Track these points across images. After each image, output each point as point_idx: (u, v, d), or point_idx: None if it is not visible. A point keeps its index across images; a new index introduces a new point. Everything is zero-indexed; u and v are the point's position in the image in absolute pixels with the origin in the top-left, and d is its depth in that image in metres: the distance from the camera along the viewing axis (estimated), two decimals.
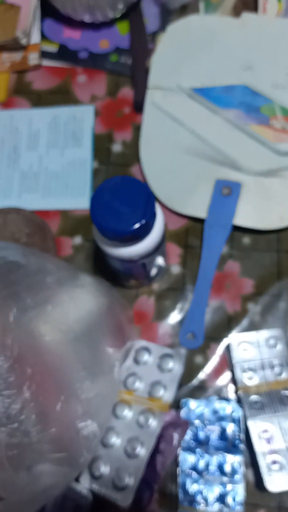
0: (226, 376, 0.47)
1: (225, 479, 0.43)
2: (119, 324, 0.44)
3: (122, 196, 0.40)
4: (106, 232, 0.40)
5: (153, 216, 0.41)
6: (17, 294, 0.38)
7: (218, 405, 0.45)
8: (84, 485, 0.42)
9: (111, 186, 0.41)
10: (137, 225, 0.39)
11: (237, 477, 0.43)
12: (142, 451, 0.42)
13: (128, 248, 0.42)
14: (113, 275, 0.50)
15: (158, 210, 0.43)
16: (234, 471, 0.43)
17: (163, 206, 0.53)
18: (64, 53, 0.63)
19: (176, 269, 0.51)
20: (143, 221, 0.39)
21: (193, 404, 0.45)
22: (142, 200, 0.40)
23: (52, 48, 0.63)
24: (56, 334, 0.39)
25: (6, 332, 0.36)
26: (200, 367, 0.48)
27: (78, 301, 0.44)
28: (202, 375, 0.47)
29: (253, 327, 0.49)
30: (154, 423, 0.43)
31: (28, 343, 0.37)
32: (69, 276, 0.45)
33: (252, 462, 0.44)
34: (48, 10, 0.63)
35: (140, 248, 0.42)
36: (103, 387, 0.40)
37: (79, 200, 0.54)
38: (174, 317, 0.50)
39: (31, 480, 0.36)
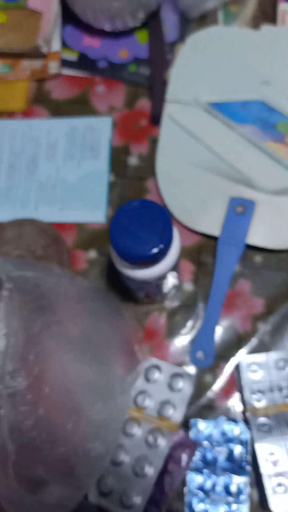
0: (234, 396, 0.47)
1: (230, 499, 0.42)
2: (130, 346, 0.44)
3: (140, 220, 0.40)
4: (124, 256, 0.40)
5: (170, 240, 0.40)
6: (43, 309, 0.38)
7: (227, 426, 0.44)
8: (93, 501, 0.42)
9: (130, 209, 0.40)
10: (155, 250, 0.39)
11: (243, 497, 0.42)
12: (151, 471, 0.42)
13: (145, 270, 0.42)
14: (125, 291, 0.49)
15: (175, 233, 0.43)
16: (239, 492, 0.42)
17: (177, 222, 0.52)
18: (84, 61, 0.61)
19: (188, 286, 0.51)
20: (161, 246, 0.39)
21: (202, 425, 0.45)
22: (160, 225, 0.39)
23: (72, 56, 0.62)
24: (73, 354, 0.39)
25: (29, 346, 0.36)
26: (209, 386, 0.47)
27: (94, 322, 0.43)
28: (211, 394, 0.47)
29: (262, 347, 0.48)
30: (163, 443, 0.43)
31: (48, 361, 0.37)
32: (86, 295, 0.45)
33: (258, 483, 0.44)
34: (68, 17, 0.62)
35: (156, 270, 0.42)
36: (113, 410, 0.39)
37: (95, 214, 0.54)
38: (186, 334, 0.49)
39: (37, 499, 0.36)
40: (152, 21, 0.62)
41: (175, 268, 0.45)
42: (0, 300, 0.36)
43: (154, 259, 0.40)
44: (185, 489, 0.43)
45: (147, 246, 0.39)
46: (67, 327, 0.39)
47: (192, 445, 0.43)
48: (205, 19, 0.62)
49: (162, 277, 0.43)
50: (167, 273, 0.43)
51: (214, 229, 0.51)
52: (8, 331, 0.34)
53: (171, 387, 0.45)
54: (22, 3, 0.61)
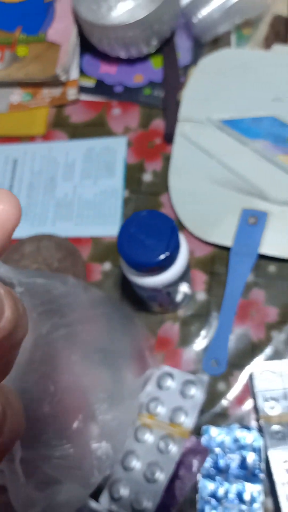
0: (248, 404, 0.47)
1: (243, 507, 0.42)
2: (141, 351, 0.45)
3: (148, 229, 0.41)
4: (131, 263, 0.41)
5: (177, 248, 0.41)
6: (52, 312, 0.40)
7: (239, 433, 0.44)
8: (104, 506, 0.42)
9: (138, 219, 0.42)
10: (161, 257, 0.40)
11: (256, 505, 0.42)
12: (161, 476, 0.41)
13: (153, 278, 0.43)
14: (139, 300, 0.50)
15: (183, 241, 0.44)
16: (253, 500, 0.42)
17: (190, 234, 0.53)
18: (101, 87, 0.64)
19: (201, 296, 0.51)
20: (167, 253, 0.40)
21: (214, 431, 0.44)
22: (167, 233, 0.41)
23: (89, 83, 0.65)
24: (81, 355, 0.40)
25: (37, 348, 0.37)
26: (223, 394, 0.47)
27: (103, 326, 0.44)
28: (224, 402, 0.47)
29: (277, 355, 0.48)
30: (174, 449, 0.43)
31: (55, 361, 0.38)
32: (99, 302, 0.46)
33: (272, 491, 0.43)
34: (86, 46, 0.65)
35: (164, 278, 0.43)
36: (121, 411, 0.40)
37: (109, 228, 0.55)
38: (199, 343, 0.49)
39: (45, 496, 0.36)
40: (166, 47, 0.65)
41: (185, 277, 0.46)
42: None
43: (161, 266, 0.41)
44: (197, 496, 0.42)
45: (153, 253, 0.40)
46: (77, 330, 0.40)
47: (203, 451, 0.43)
48: (218, 42, 0.64)
49: (171, 284, 0.44)
50: (177, 281, 0.44)
51: (226, 240, 0.52)
52: None
53: (183, 394, 0.45)
54: (42, 36, 0.65)
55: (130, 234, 0.41)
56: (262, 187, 0.53)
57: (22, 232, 0.56)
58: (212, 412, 0.46)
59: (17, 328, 0.18)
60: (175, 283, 0.44)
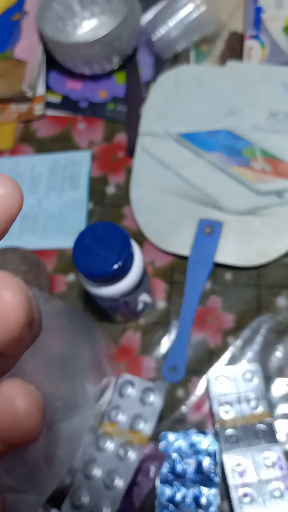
0: (206, 409, 0.46)
1: (200, 511, 0.41)
2: (99, 360, 0.44)
3: (100, 240, 0.40)
4: (86, 274, 0.40)
5: (129, 257, 0.41)
6: None
7: (195, 438, 0.43)
8: None
9: (92, 231, 0.41)
10: (114, 267, 0.39)
11: (212, 509, 0.41)
12: (120, 483, 0.40)
13: (109, 287, 0.42)
14: (102, 311, 0.49)
15: (137, 251, 0.43)
16: (209, 504, 0.41)
17: (151, 244, 0.53)
18: (66, 103, 0.63)
19: (162, 304, 0.50)
20: (120, 263, 0.39)
21: (171, 437, 0.43)
22: (119, 244, 0.40)
23: (55, 99, 0.64)
24: (37, 364, 0.39)
25: None
26: (182, 401, 0.46)
27: (63, 335, 0.43)
28: (183, 408, 0.46)
29: (233, 361, 0.47)
30: (132, 456, 0.42)
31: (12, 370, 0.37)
32: (59, 312, 0.45)
33: (227, 494, 0.42)
34: (52, 63, 0.64)
35: (119, 287, 0.42)
36: (75, 419, 0.39)
37: (74, 240, 0.54)
38: (159, 351, 0.48)
39: None
40: (128, 64, 0.64)
41: (143, 286, 0.45)
42: None
43: (115, 276, 0.40)
44: (156, 502, 0.41)
45: (106, 264, 0.39)
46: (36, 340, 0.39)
47: (160, 457, 0.42)
48: (178, 59, 0.63)
49: (127, 294, 0.43)
50: (133, 290, 0.43)
51: (185, 249, 0.51)
52: None
53: (142, 401, 0.44)
54: (8, 54, 0.64)
55: (84, 245, 0.40)
56: (217, 198, 0.52)
57: None
58: (172, 418, 0.45)
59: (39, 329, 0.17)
60: (131, 292, 0.43)
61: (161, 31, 0.61)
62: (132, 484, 0.41)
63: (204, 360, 0.47)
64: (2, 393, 0.16)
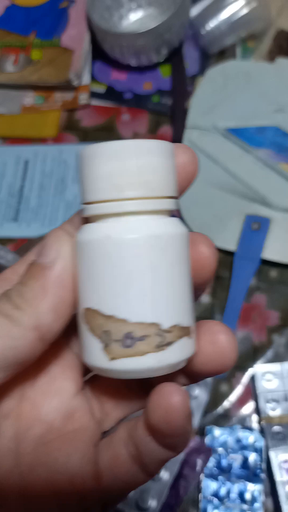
0: (250, 405, 0.45)
1: (245, 506, 0.40)
2: None
3: None
4: None
5: None
6: None
7: (241, 434, 0.42)
8: None
9: None
10: None
11: (257, 505, 0.40)
12: (166, 475, 0.40)
13: None
14: None
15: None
16: (254, 499, 0.40)
17: None
18: (111, 93, 0.62)
19: (206, 299, 0.49)
20: None
21: (217, 432, 0.42)
22: None
23: (100, 89, 0.62)
24: None
25: None
26: (225, 396, 0.45)
27: None
28: (226, 403, 0.45)
29: (277, 358, 0.46)
30: None
31: None
32: None
33: (272, 491, 0.41)
34: (98, 53, 0.63)
35: None
36: None
37: None
38: None
39: None
40: (174, 57, 0.62)
41: None
42: None
43: None
44: (200, 496, 0.41)
45: None
46: None
47: (206, 451, 0.41)
48: (224, 54, 0.62)
49: None
50: None
51: (230, 245, 0.50)
52: None
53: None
54: (56, 41, 0.62)
55: None
56: (264, 194, 0.51)
57: (32, 231, 0.54)
58: (215, 413, 0.44)
59: None
60: None
61: (210, 25, 0.60)
62: (178, 477, 0.40)
63: (248, 356, 0.46)
64: (208, 329, 0.20)
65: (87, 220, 0.20)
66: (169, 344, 0.18)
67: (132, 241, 0.18)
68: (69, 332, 0.21)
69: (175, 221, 0.19)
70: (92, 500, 0.20)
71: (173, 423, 0.19)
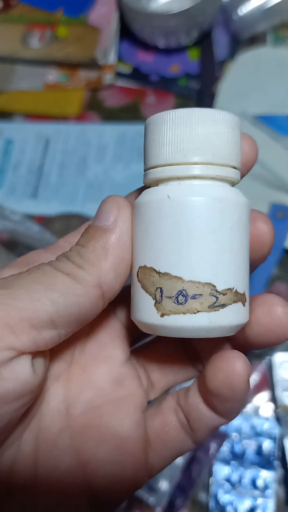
0: (265, 393, 0.46)
1: (256, 493, 0.41)
2: None
3: None
4: None
5: None
6: None
7: (257, 421, 0.43)
8: None
9: None
10: None
11: (269, 492, 0.41)
12: (178, 458, 0.41)
13: None
14: None
15: None
16: (266, 486, 0.41)
17: None
18: (137, 75, 0.63)
19: None
20: None
21: None
22: None
23: (126, 69, 0.64)
24: None
25: None
26: None
27: None
28: None
29: None
30: None
31: None
32: None
33: (285, 479, 0.42)
34: (125, 33, 0.64)
35: None
36: None
37: None
38: None
39: None
40: (204, 40, 0.63)
41: None
42: None
43: None
44: (212, 480, 0.42)
45: None
46: None
47: (221, 436, 0.42)
48: (254, 40, 0.63)
49: None
50: None
51: None
52: None
53: None
54: (83, 19, 0.64)
55: None
56: None
57: (51, 209, 0.55)
58: None
59: None
60: None
61: (243, 10, 0.61)
62: (192, 460, 0.41)
63: None
64: (266, 301, 0.21)
65: (147, 187, 0.21)
66: (223, 306, 0.19)
67: (195, 202, 0.19)
68: (116, 304, 0.23)
69: (237, 190, 0.20)
70: (139, 465, 0.21)
71: (236, 387, 0.20)
